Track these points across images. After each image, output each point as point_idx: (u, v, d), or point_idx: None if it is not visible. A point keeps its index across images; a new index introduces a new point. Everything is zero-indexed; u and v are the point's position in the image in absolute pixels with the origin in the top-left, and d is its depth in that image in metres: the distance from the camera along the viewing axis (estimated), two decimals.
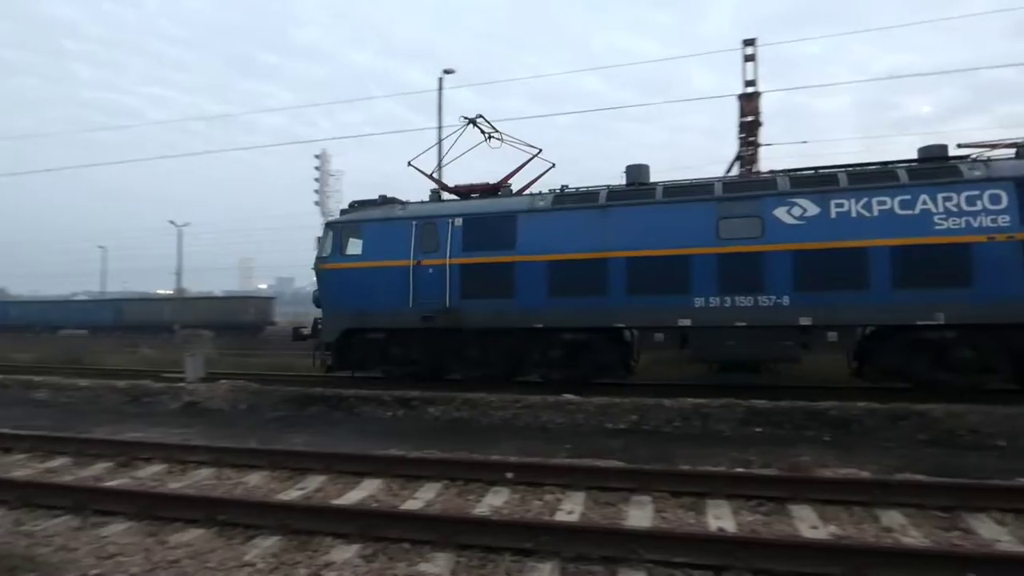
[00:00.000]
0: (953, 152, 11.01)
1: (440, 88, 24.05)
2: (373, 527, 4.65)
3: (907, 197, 10.16)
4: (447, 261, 12.04)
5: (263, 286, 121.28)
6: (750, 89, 17.44)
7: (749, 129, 17.27)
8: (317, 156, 33.25)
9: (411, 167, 13.83)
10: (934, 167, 10.45)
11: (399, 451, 7.17)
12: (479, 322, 11.88)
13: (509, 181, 13.27)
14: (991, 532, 4.64)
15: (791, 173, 11.15)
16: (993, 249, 9.72)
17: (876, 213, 10.27)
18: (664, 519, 5.01)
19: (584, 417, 9.44)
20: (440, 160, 15.02)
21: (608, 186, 12.03)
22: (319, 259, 13.02)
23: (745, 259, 10.60)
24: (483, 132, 13.88)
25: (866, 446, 7.74)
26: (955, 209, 9.96)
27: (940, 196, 10.05)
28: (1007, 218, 9.70)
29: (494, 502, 5.48)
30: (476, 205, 12.54)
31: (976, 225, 9.81)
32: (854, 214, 10.32)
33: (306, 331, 13.59)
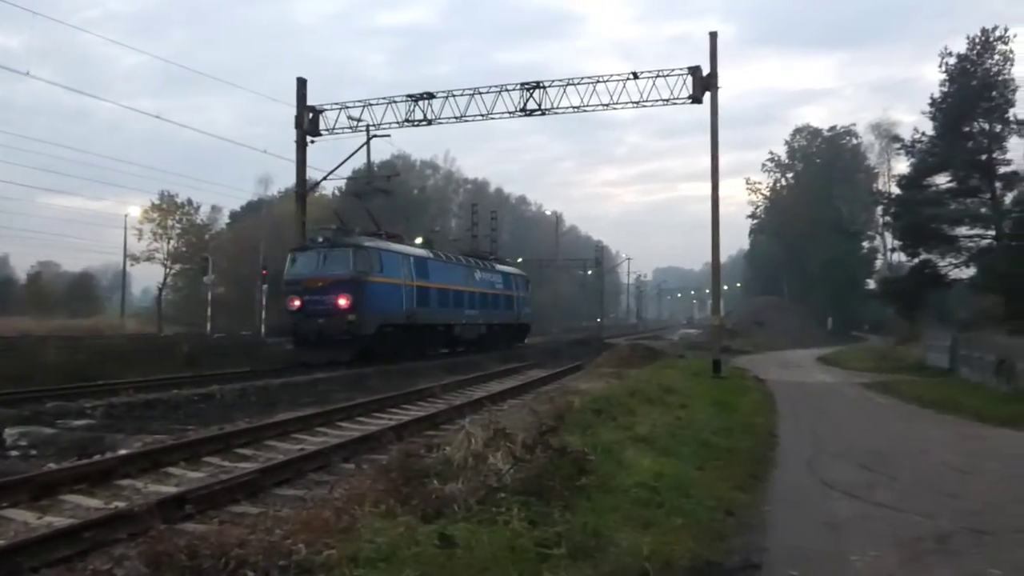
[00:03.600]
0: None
1: None
2: None
3: (490, 273, 27.86)
4: (414, 283, 20.73)
5: None
6: None
7: None
8: None
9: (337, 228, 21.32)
10: (490, 263, 28.79)
11: None
12: (429, 320, 21.85)
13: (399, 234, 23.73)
14: None
15: (473, 255, 28.39)
16: (510, 299, 29.51)
17: (487, 277, 27.00)
18: None
19: None
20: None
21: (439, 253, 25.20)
22: (362, 272, 18.16)
23: (473, 294, 25.07)
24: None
25: None
26: (498, 281, 28.44)
27: (497, 275, 28.52)
28: (501, 286, 28.70)
29: None
30: (416, 251, 22.94)
31: (506, 288, 29.00)
32: (487, 278, 26.97)
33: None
